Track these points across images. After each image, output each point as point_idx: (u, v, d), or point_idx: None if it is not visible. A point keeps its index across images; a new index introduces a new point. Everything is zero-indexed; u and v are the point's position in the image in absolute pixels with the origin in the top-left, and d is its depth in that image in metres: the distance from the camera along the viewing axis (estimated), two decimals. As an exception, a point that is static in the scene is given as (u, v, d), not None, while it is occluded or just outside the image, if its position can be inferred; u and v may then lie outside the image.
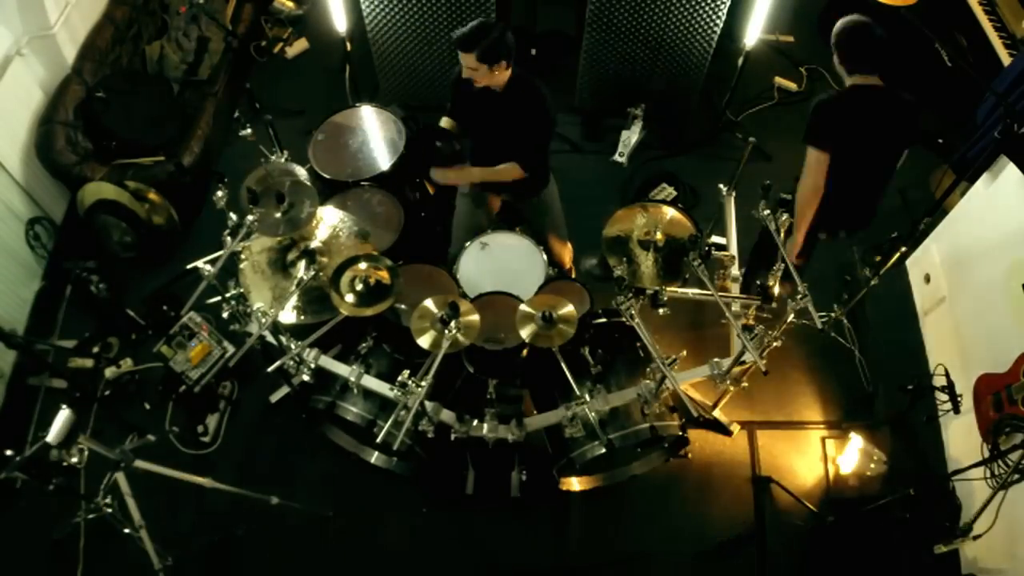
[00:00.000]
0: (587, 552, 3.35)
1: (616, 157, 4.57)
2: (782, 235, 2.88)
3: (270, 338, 2.87)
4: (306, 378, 2.94)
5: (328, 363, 2.99)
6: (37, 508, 3.33)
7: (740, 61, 4.06)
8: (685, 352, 2.88)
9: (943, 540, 2.73)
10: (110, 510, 2.62)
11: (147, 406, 3.66)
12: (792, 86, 4.86)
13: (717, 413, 3.57)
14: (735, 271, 3.33)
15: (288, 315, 2.90)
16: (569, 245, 3.74)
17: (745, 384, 3.02)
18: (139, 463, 2.48)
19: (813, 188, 2.90)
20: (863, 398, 3.69)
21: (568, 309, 2.77)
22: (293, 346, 2.85)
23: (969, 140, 3.91)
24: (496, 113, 3.05)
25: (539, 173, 3.27)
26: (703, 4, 3.97)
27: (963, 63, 3.34)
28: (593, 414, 2.84)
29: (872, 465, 3.40)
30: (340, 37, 4.08)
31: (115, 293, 3.87)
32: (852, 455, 3.41)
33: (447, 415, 2.92)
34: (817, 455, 3.55)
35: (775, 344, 2.86)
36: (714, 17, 4.04)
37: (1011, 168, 3.11)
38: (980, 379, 3.05)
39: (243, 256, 2.99)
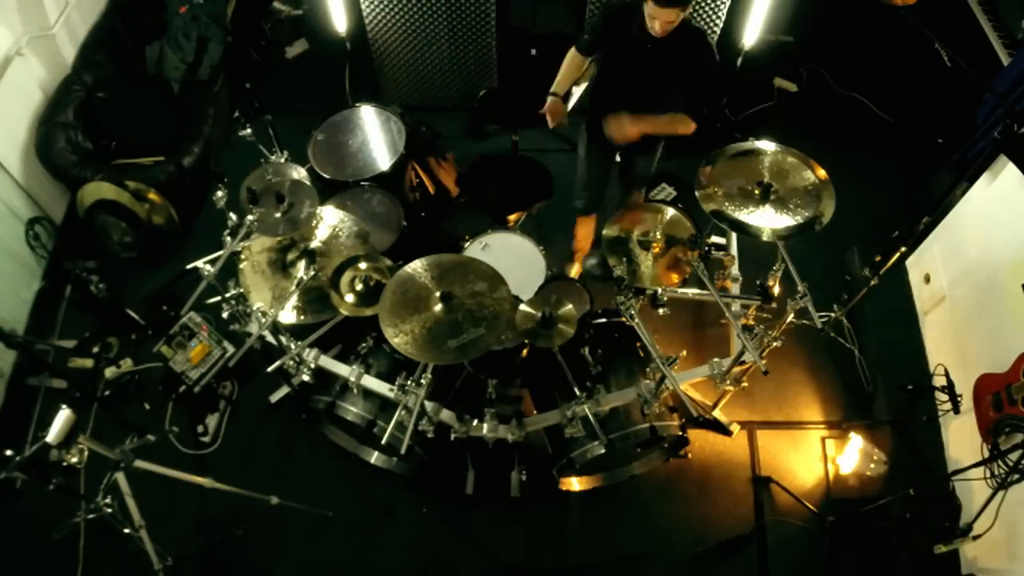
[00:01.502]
0: (587, 552, 3.35)
1: (616, 157, 4.56)
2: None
3: (270, 338, 2.87)
4: (306, 378, 2.94)
5: (328, 363, 2.99)
6: (37, 508, 3.33)
7: (739, 61, 4.06)
8: (685, 352, 2.88)
9: (943, 540, 2.73)
10: (110, 510, 2.63)
11: (147, 406, 3.66)
12: (791, 86, 4.85)
13: (717, 413, 3.57)
14: (735, 271, 3.33)
15: (288, 315, 2.90)
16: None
17: (745, 384, 3.02)
18: (139, 463, 2.47)
19: None
20: (863, 398, 3.68)
21: (568, 309, 2.77)
22: (293, 346, 2.85)
23: (969, 140, 3.91)
24: (660, 62, 2.82)
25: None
26: (703, 4, 3.97)
27: (963, 63, 3.34)
28: (593, 414, 2.84)
29: (872, 465, 3.40)
30: (340, 37, 4.08)
31: (115, 293, 3.86)
32: (852, 455, 3.41)
33: (447, 415, 2.92)
34: (817, 455, 3.55)
35: (775, 344, 2.86)
36: (714, 17, 4.04)
37: (1011, 168, 3.11)
38: (980, 379, 3.05)
39: (243, 256, 2.99)
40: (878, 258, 3.45)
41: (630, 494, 3.45)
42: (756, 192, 2.71)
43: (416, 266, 2.67)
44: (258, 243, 3.02)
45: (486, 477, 3.37)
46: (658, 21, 2.65)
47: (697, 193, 2.77)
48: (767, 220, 2.67)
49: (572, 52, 3.09)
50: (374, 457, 3.44)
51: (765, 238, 2.64)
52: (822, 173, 2.74)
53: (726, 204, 2.72)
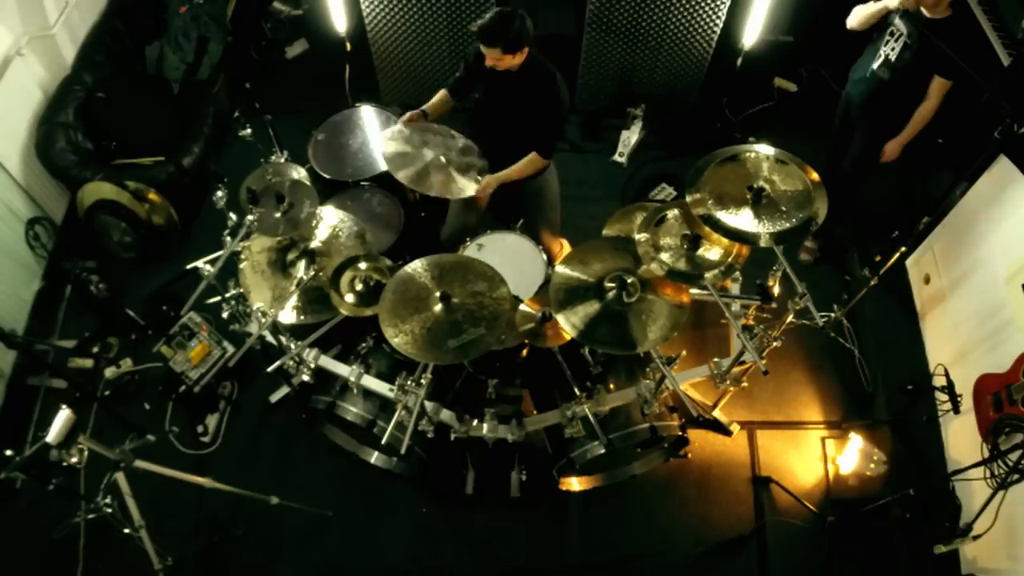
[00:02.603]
0: (587, 552, 3.35)
1: (616, 157, 4.57)
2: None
3: (270, 338, 2.87)
4: (306, 378, 2.94)
5: (328, 363, 2.99)
6: (37, 508, 3.33)
7: (739, 61, 4.06)
8: (685, 352, 2.88)
9: (943, 540, 2.72)
10: (110, 510, 2.63)
11: (147, 406, 3.66)
12: (791, 86, 4.86)
13: (717, 413, 3.57)
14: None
15: (288, 315, 2.90)
16: (564, 240, 3.73)
17: (745, 384, 3.02)
18: (139, 463, 2.47)
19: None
20: (863, 398, 3.68)
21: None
22: (293, 346, 2.85)
23: (969, 140, 3.91)
24: (510, 95, 3.08)
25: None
26: (703, 4, 3.97)
27: (963, 63, 3.35)
28: (593, 414, 2.84)
29: (872, 465, 3.40)
30: (340, 37, 4.08)
31: (115, 293, 3.87)
32: (852, 455, 3.41)
33: (447, 415, 2.92)
34: (817, 455, 3.55)
35: (775, 344, 2.86)
36: (714, 17, 4.04)
37: (1011, 168, 3.11)
38: (980, 379, 3.05)
39: (243, 256, 2.99)
40: (878, 258, 3.45)
41: (630, 494, 3.45)
42: (748, 196, 2.68)
43: (416, 266, 2.68)
44: (258, 243, 3.02)
45: (486, 477, 3.37)
46: (488, 58, 2.91)
47: (688, 199, 2.75)
48: (760, 224, 2.63)
49: (442, 90, 3.32)
50: (374, 457, 3.44)
51: (763, 244, 2.62)
52: (814, 175, 2.73)
53: (718, 210, 2.67)
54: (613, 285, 2.69)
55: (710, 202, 2.68)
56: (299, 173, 3.26)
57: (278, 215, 2.85)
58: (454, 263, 2.69)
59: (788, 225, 2.61)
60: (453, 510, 3.42)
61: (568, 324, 2.63)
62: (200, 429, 3.58)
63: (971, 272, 3.43)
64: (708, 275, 2.69)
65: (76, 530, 3.15)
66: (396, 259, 2.98)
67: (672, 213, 2.87)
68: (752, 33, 3.85)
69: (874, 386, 3.66)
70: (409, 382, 2.71)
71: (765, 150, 2.80)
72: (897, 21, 3.17)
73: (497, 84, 3.08)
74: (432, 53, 4.39)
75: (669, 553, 3.32)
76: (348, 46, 4.18)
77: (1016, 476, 2.58)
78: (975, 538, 2.72)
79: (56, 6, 3.94)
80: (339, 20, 3.96)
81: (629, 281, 2.66)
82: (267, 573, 3.30)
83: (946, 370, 3.31)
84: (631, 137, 4.58)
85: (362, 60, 4.46)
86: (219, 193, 2.98)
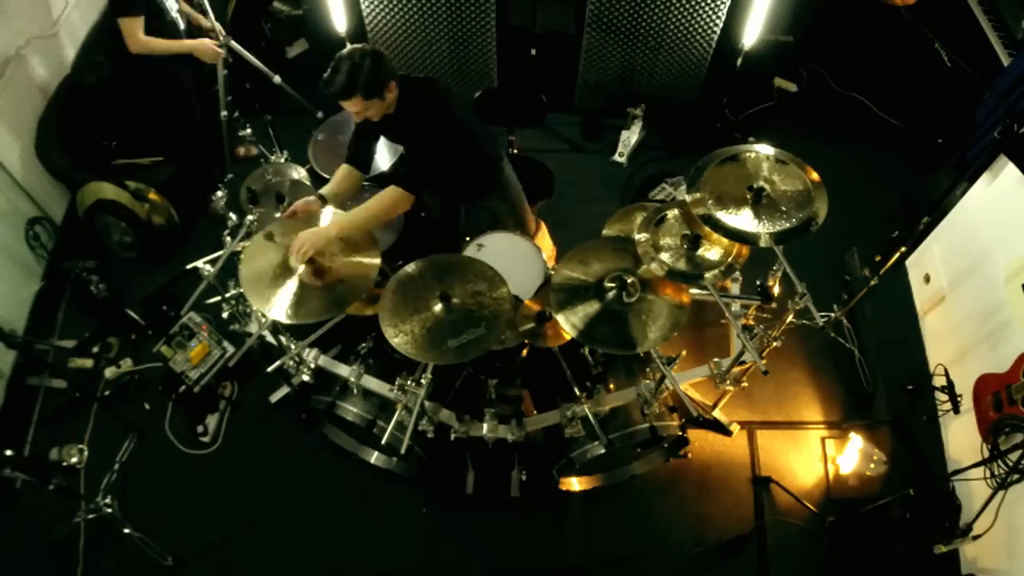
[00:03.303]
0: (587, 552, 3.35)
1: (616, 157, 4.57)
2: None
3: (270, 338, 2.88)
4: (306, 378, 2.95)
5: (328, 363, 2.99)
6: (37, 508, 3.33)
7: (739, 61, 4.06)
8: (685, 352, 2.89)
9: (943, 540, 2.73)
10: (110, 510, 2.63)
11: (147, 406, 3.66)
12: (791, 86, 4.86)
13: (717, 413, 3.57)
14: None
15: (288, 315, 2.90)
16: (540, 221, 3.66)
17: (745, 384, 3.02)
18: None
19: None
20: (863, 398, 3.68)
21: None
22: (293, 346, 2.85)
23: (969, 140, 3.91)
24: (401, 136, 2.86)
25: (468, 179, 3.04)
26: (703, 4, 3.97)
27: (963, 63, 3.35)
28: (593, 414, 2.85)
29: (872, 465, 3.40)
30: (340, 37, 4.08)
31: (115, 293, 3.87)
32: (852, 455, 3.41)
33: (447, 415, 2.93)
34: (817, 455, 3.55)
35: (775, 344, 2.86)
36: (714, 17, 4.04)
37: (1011, 168, 3.11)
38: (980, 379, 3.05)
39: (243, 256, 2.99)
40: (878, 258, 3.45)
41: (630, 494, 3.45)
42: (748, 196, 2.66)
43: (416, 266, 2.68)
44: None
45: (486, 477, 3.37)
46: (355, 115, 2.62)
47: (688, 198, 2.74)
48: (760, 224, 2.62)
49: (343, 165, 2.94)
50: (374, 457, 3.44)
51: (763, 244, 2.61)
52: (814, 175, 2.72)
53: (718, 210, 2.68)
54: (613, 285, 2.69)
55: (710, 202, 2.68)
56: (299, 173, 3.27)
57: (278, 215, 2.85)
58: (454, 263, 2.70)
59: (788, 225, 2.61)
60: (453, 510, 3.42)
61: (568, 324, 2.63)
62: (200, 429, 3.58)
63: (971, 272, 3.43)
64: (708, 275, 2.69)
65: (76, 530, 3.15)
66: (396, 259, 2.98)
67: (672, 213, 2.87)
68: (752, 33, 3.85)
69: (874, 386, 3.66)
70: (409, 382, 2.71)
71: (765, 150, 2.79)
72: None
73: (387, 131, 2.85)
74: (432, 53, 4.39)
75: (669, 553, 3.32)
76: (348, 46, 4.17)
77: (1016, 476, 2.58)
78: (975, 538, 2.72)
79: (56, 6, 3.94)
80: (339, 20, 3.96)
81: (629, 281, 2.66)
82: (267, 573, 3.30)
83: (946, 370, 3.31)
84: (631, 137, 4.58)
85: (362, 60, 4.45)
86: (219, 193, 2.98)
